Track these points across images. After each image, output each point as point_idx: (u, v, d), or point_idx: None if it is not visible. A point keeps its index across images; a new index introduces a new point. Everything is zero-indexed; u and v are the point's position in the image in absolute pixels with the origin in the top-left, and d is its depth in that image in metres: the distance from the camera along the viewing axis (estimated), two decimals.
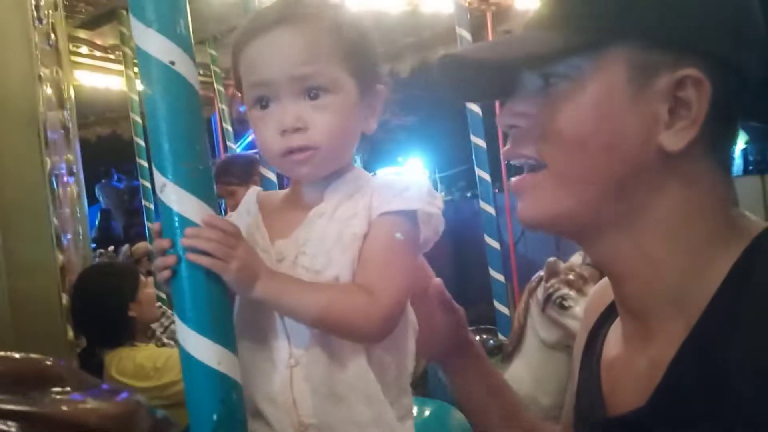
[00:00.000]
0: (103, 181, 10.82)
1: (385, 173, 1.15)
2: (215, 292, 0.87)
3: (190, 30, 0.87)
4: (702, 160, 0.75)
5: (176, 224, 0.86)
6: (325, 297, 0.95)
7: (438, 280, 1.17)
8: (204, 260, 0.85)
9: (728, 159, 0.78)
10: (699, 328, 0.71)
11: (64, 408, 0.46)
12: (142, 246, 6.30)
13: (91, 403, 0.48)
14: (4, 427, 0.42)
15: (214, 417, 0.85)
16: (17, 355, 0.48)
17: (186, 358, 0.85)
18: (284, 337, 0.99)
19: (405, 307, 1.03)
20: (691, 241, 0.75)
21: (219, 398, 0.85)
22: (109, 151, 8.63)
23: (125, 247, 6.10)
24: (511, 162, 0.83)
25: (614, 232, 0.77)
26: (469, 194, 9.58)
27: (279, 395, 0.97)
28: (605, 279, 0.92)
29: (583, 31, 0.74)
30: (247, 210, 1.09)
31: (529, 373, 2.78)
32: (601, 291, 0.96)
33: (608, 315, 0.91)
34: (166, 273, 0.87)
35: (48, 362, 0.50)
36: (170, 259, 0.86)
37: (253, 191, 1.13)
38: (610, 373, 0.86)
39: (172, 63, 0.84)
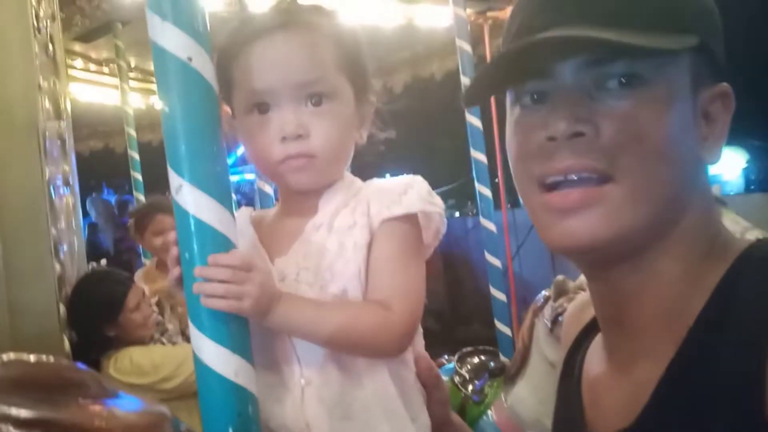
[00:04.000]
0: (93, 194, 10.77)
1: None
2: None
3: (208, 25, 0.84)
4: (705, 174, 0.76)
5: (192, 228, 0.81)
6: (341, 317, 0.91)
7: (425, 354, 1.07)
8: (218, 303, 0.81)
9: None
10: (686, 347, 0.68)
11: (90, 416, 0.41)
12: None
13: (118, 413, 0.43)
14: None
15: (230, 431, 0.80)
16: (33, 358, 0.44)
17: (201, 369, 0.81)
18: (294, 357, 0.94)
19: (420, 318, 0.99)
20: (693, 256, 0.73)
21: (235, 411, 0.80)
22: (101, 165, 8.60)
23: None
24: (557, 177, 0.72)
25: (651, 252, 0.72)
26: (457, 213, 9.25)
27: (291, 419, 0.93)
28: (581, 297, 0.91)
29: (671, 32, 0.69)
30: (240, 232, 1.00)
31: (533, 394, 2.70)
32: (578, 309, 0.92)
33: (587, 333, 0.88)
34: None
35: (68, 366, 0.46)
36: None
37: (244, 211, 1.07)
38: (591, 393, 0.82)
39: (190, 59, 0.81)
